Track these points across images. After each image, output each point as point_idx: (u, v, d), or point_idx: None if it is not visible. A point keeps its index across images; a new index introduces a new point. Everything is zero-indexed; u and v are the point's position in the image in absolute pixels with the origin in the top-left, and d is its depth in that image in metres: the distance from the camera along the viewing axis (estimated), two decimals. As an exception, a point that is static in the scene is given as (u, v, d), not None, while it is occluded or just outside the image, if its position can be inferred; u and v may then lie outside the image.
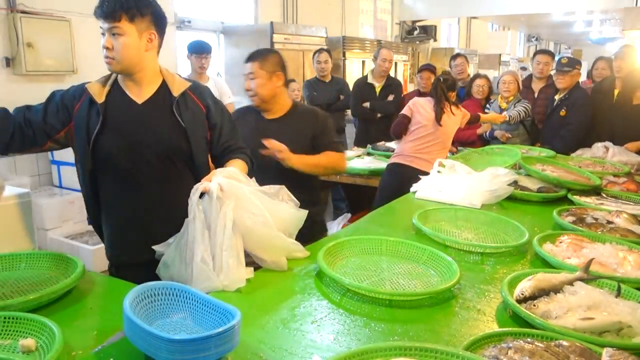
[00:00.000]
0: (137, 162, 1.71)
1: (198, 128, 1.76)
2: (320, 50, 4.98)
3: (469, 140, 4.28)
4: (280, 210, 1.63)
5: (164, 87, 1.73)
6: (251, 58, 2.32)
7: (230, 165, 1.72)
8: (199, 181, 1.55)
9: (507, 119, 3.90)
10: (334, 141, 2.44)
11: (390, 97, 4.88)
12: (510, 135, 4.03)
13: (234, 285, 1.49)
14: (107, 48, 1.60)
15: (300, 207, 1.71)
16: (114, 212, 1.78)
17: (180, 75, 1.82)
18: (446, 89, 3.46)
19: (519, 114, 3.96)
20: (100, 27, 1.60)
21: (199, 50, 4.23)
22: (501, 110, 4.09)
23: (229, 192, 1.51)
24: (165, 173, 1.74)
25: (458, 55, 5.28)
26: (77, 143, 1.71)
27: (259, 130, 2.28)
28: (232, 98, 4.51)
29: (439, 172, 2.73)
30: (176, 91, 1.73)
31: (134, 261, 1.76)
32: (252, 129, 2.31)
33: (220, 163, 1.81)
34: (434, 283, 1.59)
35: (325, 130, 2.41)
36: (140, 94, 1.71)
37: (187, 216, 1.51)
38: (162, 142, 1.71)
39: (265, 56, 2.33)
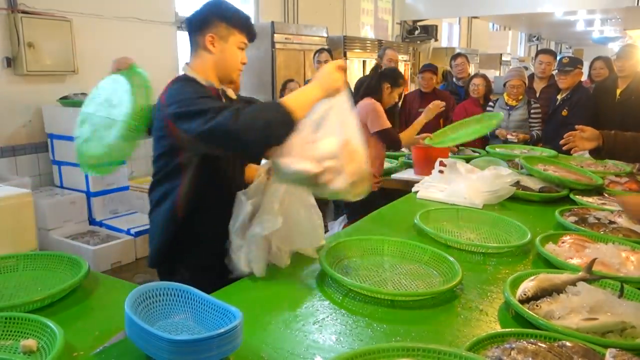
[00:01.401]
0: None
1: None
2: (321, 50, 4.98)
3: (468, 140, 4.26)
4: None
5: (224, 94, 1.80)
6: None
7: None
8: None
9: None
10: None
11: None
12: (510, 135, 4.00)
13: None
14: (244, 63, 1.75)
15: None
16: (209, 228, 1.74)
17: None
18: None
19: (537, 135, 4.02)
20: (244, 43, 1.71)
21: None
22: (509, 108, 4.06)
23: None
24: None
25: (459, 54, 5.28)
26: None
27: None
28: None
29: (440, 171, 2.73)
30: (232, 94, 1.82)
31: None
32: None
33: None
34: (436, 283, 1.59)
35: None
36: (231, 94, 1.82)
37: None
38: None
39: None
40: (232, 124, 1.40)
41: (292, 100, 1.47)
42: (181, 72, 1.76)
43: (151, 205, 1.78)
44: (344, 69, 1.57)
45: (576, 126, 2.38)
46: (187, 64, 1.75)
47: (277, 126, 1.42)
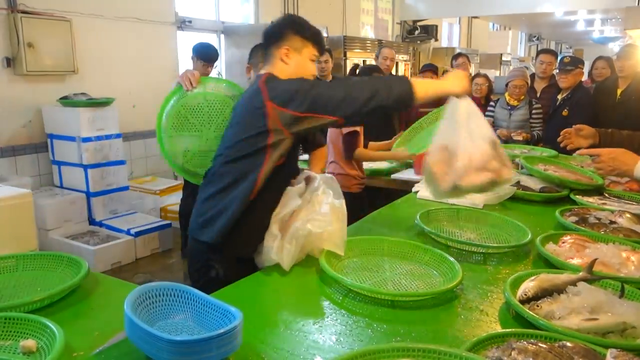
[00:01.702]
0: None
1: None
2: (321, 50, 4.99)
3: None
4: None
5: None
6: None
7: (322, 153, 2.18)
8: None
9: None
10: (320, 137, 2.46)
11: None
12: (515, 134, 4.00)
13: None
14: (314, 75, 1.90)
15: None
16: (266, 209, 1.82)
17: None
18: None
19: (537, 135, 4.01)
20: (315, 56, 1.85)
21: (206, 59, 3.99)
22: (510, 108, 4.05)
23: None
24: None
25: (460, 54, 5.28)
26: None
27: None
28: None
29: None
30: None
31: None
32: None
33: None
34: (436, 283, 1.58)
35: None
36: None
37: None
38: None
39: None
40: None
41: (419, 83, 1.68)
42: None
43: (222, 184, 1.80)
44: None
45: (574, 126, 2.39)
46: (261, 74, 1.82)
47: (400, 94, 1.64)
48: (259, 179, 1.73)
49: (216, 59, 4.17)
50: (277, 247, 1.66)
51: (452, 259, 1.66)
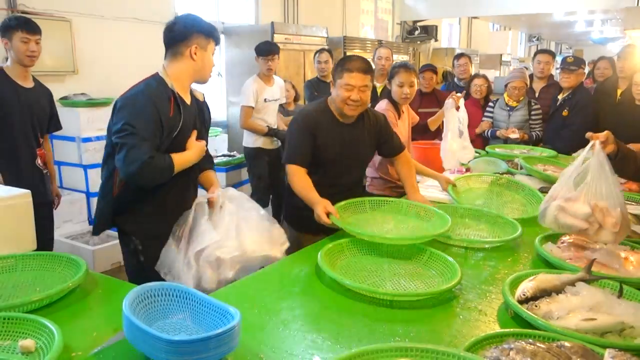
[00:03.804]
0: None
1: (208, 126, 2.18)
2: (321, 50, 4.97)
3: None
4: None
5: (191, 93, 2.07)
6: (365, 70, 2.16)
7: (209, 177, 2.16)
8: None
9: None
10: (399, 141, 2.48)
11: None
12: (516, 132, 3.98)
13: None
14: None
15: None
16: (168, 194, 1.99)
17: None
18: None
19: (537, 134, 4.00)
20: (215, 49, 2.00)
21: (263, 53, 4.09)
22: (509, 108, 4.04)
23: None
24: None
25: (462, 55, 5.26)
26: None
27: (344, 137, 2.25)
28: (285, 99, 4.46)
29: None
30: (200, 97, 2.12)
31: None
32: (337, 135, 2.24)
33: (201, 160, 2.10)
34: (435, 283, 1.58)
35: (390, 132, 2.44)
36: (188, 99, 2.02)
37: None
38: (202, 137, 2.07)
39: (370, 66, 2.24)
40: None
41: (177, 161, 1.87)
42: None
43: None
44: None
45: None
46: (164, 67, 1.95)
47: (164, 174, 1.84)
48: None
49: (274, 51, 4.14)
50: (195, 278, 1.72)
51: (450, 258, 1.66)
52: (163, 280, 1.77)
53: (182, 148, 1.93)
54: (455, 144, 3.12)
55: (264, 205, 4.30)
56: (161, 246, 1.84)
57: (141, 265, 1.97)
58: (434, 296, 1.49)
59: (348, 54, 7.01)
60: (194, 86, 2.07)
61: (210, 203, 1.90)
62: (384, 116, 2.46)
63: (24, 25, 2.63)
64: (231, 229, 1.80)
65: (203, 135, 2.07)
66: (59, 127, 3.05)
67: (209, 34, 1.97)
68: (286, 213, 2.50)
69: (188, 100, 1.99)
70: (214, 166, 2.26)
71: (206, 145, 2.09)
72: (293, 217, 2.40)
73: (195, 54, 1.93)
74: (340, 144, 2.24)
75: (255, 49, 4.18)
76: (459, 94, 3.21)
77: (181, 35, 1.93)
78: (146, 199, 1.94)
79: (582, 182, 1.72)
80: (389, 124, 2.47)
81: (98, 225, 2.04)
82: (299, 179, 2.15)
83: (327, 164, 2.25)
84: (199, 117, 2.06)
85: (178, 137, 1.90)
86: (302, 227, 2.28)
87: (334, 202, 2.04)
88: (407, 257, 1.76)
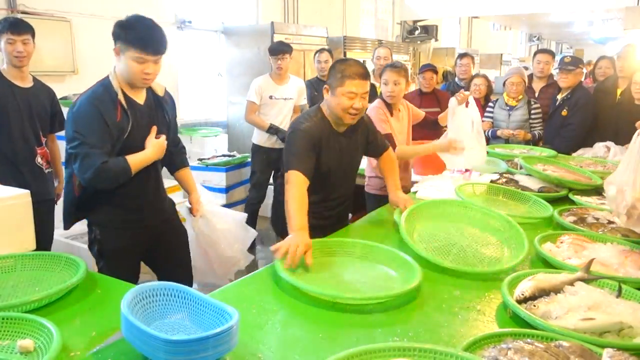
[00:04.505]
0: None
1: (173, 120, 2.17)
2: (321, 50, 4.98)
3: None
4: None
5: (150, 90, 2.06)
6: (366, 75, 2.07)
7: (186, 178, 2.30)
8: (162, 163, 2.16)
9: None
10: (383, 139, 2.43)
11: None
12: (515, 132, 3.97)
13: None
14: (149, 73, 1.94)
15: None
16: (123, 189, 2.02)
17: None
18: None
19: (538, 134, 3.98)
20: (140, 57, 1.88)
21: (273, 53, 4.12)
22: (509, 108, 4.04)
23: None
24: None
25: (465, 54, 5.25)
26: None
27: (341, 147, 2.17)
28: (306, 100, 4.43)
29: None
30: (160, 92, 2.08)
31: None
32: (335, 145, 2.15)
33: (172, 155, 2.21)
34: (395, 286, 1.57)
35: (375, 130, 2.38)
36: (141, 97, 2.02)
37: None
38: (163, 132, 2.06)
39: (367, 70, 2.14)
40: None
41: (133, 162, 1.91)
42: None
43: None
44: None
45: None
46: (114, 66, 1.97)
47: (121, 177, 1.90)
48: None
49: (283, 51, 4.13)
50: None
51: (410, 259, 1.64)
52: (116, 269, 1.90)
53: (138, 148, 1.95)
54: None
55: (259, 202, 4.32)
56: (117, 236, 2.02)
57: (100, 254, 2.06)
58: (394, 298, 1.46)
59: (348, 54, 7.01)
60: (158, 79, 2.03)
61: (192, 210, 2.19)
62: (367, 116, 2.38)
63: (9, 26, 2.63)
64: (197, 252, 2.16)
65: (163, 131, 2.05)
66: (63, 126, 3.06)
67: (126, 39, 1.89)
68: (272, 218, 2.44)
69: (141, 99, 1.99)
70: (187, 160, 2.33)
71: (175, 140, 2.21)
72: (277, 224, 2.34)
73: (117, 55, 1.93)
74: (338, 154, 2.15)
75: (267, 49, 4.22)
76: (466, 92, 3.07)
77: (112, 34, 1.94)
78: (105, 194, 1.99)
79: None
80: (372, 122, 2.40)
81: (65, 221, 2.15)
82: (298, 191, 1.94)
83: (326, 175, 2.13)
84: (158, 113, 2.05)
85: (129, 139, 1.91)
86: (285, 234, 2.05)
87: (328, 216, 2.05)
88: (374, 259, 1.76)
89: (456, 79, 5.26)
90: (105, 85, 1.92)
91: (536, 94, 4.31)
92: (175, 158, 2.26)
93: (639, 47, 4.03)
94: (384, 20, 9.68)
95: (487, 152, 3.62)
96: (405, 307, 1.44)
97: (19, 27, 2.66)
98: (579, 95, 3.83)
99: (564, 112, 3.83)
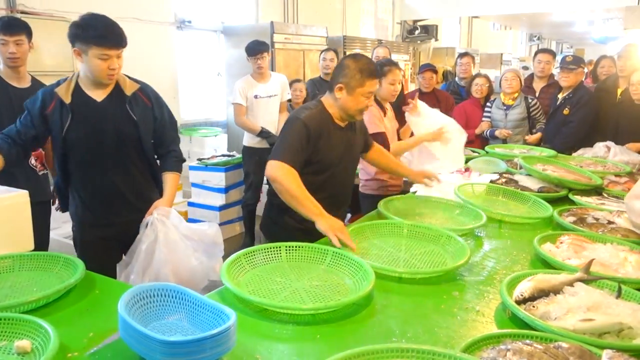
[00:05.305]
0: (98, 147, 2.06)
1: (147, 120, 2.13)
2: (327, 49, 5.00)
3: (467, 140, 4.23)
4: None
5: (117, 88, 2.08)
6: (376, 75, 2.09)
7: (165, 181, 2.18)
8: (150, 162, 2.17)
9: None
10: (367, 132, 2.45)
11: None
12: (511, 133, 3.98)
13: None
14: (114, 68, 1.99)
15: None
16: (81, 185, 2.15)
17: (130, 78, 2.16)
18: None
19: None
20: (105, 54, 1.94)
21: (251, 53, 4.08)
22: (506, 107, 4.04)
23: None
24: (120, 155, 2.10)
25: (466, 54, 5.24)
26: (53, 135, 2.07)
27: (343, 141, 2.15)
28: (290, 95, 4.41)
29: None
30: (128, 91, 2.08)
31: (98, 223, 2.14)
32: (338, 139, 2.13)
33: (159, 155, 2.22)
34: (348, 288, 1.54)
35: (364, 124, 2.41)
36: (100, 95, 2.06)
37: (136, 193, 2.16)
38: (117, 131, 2.06)
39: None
40: None
41: None
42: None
43: None
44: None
45: None
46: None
47: None
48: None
49: (260, 50, 4.09)
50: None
51: (366, 265, 1.59)
52: (91, 261, 1.79)
53: (81, 140, 2.03)
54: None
55: (255, 202, 4.32)
56: (83, 232, 2.13)
57: (75, 243, 2.19)
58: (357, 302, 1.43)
59: (348, 53, 7.01)
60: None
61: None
62: None
63: (1, 27, 2.58)
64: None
65: (125, 128, 2.05)
66: None
67: (85, 39, 1.93)
68: (263, 220, 2.34)
69: (99, 96, 2.04)
70: (175, 166, 2.22)
71: (165, 142, 2.20)
72: (267, 227, 2.29)
73: (79, 57, 1.97)
74: (341, 148, 2.13)
75: (245, 49, 4.14)
76: (415, 102, 3.04)
77: (69, 36, 1.98)
78: (75, 192, 2.14)
79: None
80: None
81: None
82: (292, 180, 1.90)
83: (328, 170, 2.11)
84: (117, 111, 2.04)
85: (69, 131, 1.99)
86: (274, 239, 1.99)
87: (331, 210, 1.92)
88: (334, 268, 1.69)
89: (456, 79, 5.25)
90: (58, 81, 2.05)
91: (537, 94, 4.31)
92: (161, 160, 2.22)
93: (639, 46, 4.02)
94: (384, 20, 9.68)
95: (487, 152, 3.63)
96: (403, 307, 1.44)
97: (11, 27, 2.60)
98: (581, 94, 3.82)
99: (566, 111, 3.83)
